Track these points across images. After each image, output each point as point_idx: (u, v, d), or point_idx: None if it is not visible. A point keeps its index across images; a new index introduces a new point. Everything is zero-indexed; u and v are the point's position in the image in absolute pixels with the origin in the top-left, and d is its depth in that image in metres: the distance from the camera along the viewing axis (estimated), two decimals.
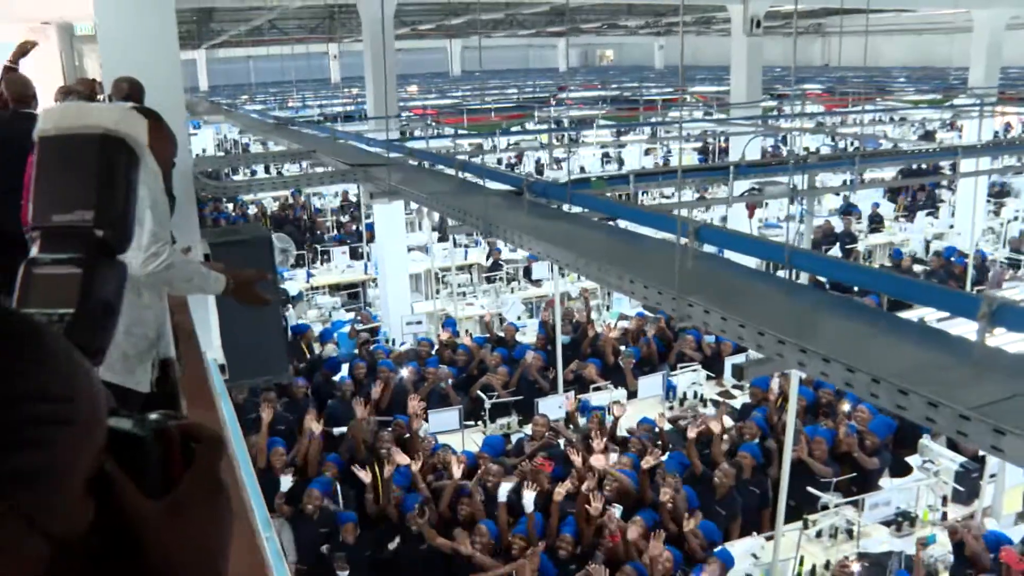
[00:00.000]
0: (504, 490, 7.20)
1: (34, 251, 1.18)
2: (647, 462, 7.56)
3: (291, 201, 20.26)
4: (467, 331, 12.55)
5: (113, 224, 1.14)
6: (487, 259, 15.90)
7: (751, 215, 6.77)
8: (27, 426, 0.68)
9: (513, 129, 17.71)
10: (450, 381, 10.12)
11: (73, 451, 0.72)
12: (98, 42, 6.07)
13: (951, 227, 17.69)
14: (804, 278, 5.08)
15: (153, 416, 0.87)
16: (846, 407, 8.89)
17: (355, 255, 16.32)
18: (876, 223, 18.03)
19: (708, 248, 6.47)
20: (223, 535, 0.88)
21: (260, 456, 7.60)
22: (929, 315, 6.27)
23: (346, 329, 12.21)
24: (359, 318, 13.00)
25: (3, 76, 6.26)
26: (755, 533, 7.54)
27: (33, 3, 12.61)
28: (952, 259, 14.67)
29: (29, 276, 1.14)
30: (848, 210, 18.02)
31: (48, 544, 0.69)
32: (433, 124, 16.92)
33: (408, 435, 8.44)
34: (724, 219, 14.84)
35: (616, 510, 7.10)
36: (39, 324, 0.75)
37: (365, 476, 7.59)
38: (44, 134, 1.22)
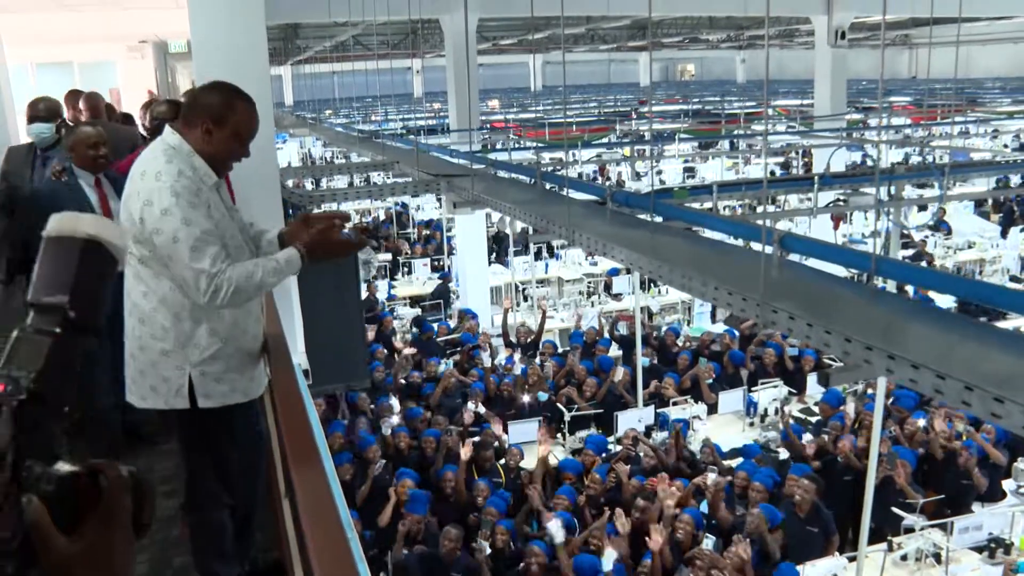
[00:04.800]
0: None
1: (27, 321, 1.47)
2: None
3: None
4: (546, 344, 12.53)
5: (82, 308, 1.45)
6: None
7: (836, 227, 6.65)
8: None
9: (594, 143, 17.70)
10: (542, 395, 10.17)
11: None
12: (192, 58, 6.29)
13: None
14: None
15: (63, 468, 1.13)
16: (937, 424, 8.67)
17: (436, 268, 16.51)
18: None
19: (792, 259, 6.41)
20: (122, 563, 1.13)
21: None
22: None
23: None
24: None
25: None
26: (836, 553, 7.37)
27: (132, 23, 13.11)
28: None
29: (15, 340, 1.43)
30: (936, 226, 17.51)
31: None
32: (515, 138, 17.03)
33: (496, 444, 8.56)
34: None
35: (709, 541, 7.02)
36: None
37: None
38: (47, 234, 1.52)
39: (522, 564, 6.82)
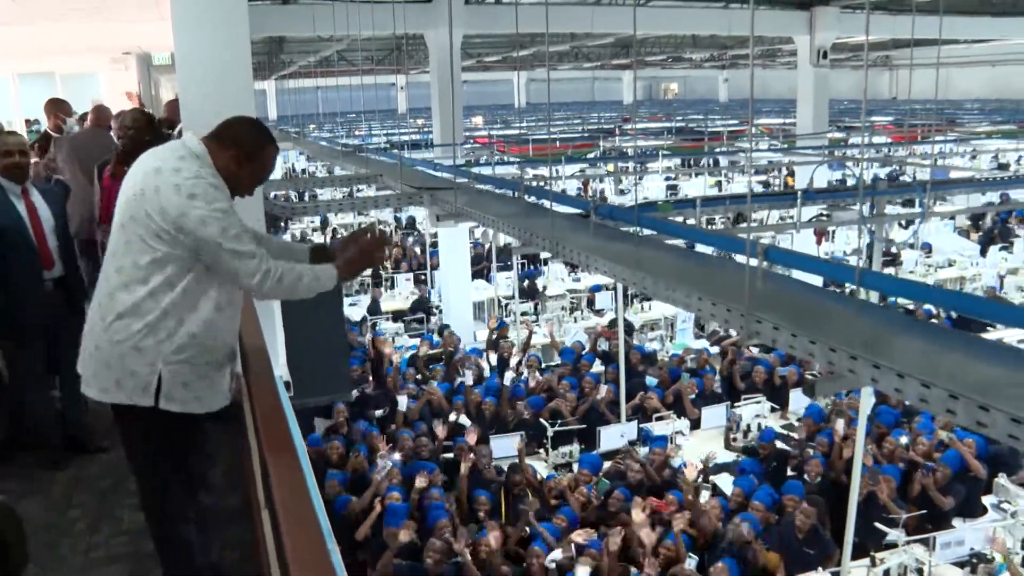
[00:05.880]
0: None
1: None
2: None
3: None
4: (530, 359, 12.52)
5: None
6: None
7: (819, 243, 6.68)
8: None
9: (577, 159, 17.76)
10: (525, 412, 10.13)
11: None
12: (176, 71, 6.25)
13: None
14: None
15: None
16: (904, 440, 8.71)
17: (419, 282, 16.46)
18: None
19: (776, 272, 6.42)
20: None
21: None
22: (1008, 337, 6.11)
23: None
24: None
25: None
26: (820, 568, 7.35)
27: (116, 35, 13.06)
28: None
29: None
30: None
31: None
32: (499, 153, 17.05)
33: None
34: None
35: (692, 561, 7.00)
36: None
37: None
38: None
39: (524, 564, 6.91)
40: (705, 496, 7.81)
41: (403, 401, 9.90)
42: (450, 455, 8.97)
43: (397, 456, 8.45)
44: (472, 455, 8.40)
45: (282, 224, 19.79)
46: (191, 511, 3.20)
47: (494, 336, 12.80)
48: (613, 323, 13.30)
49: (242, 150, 3.02)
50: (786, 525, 7.54)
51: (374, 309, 14.79)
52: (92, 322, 3.00)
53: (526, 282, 16.10)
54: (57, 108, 7.82)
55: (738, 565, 6.85)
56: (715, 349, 12.37)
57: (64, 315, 4.58)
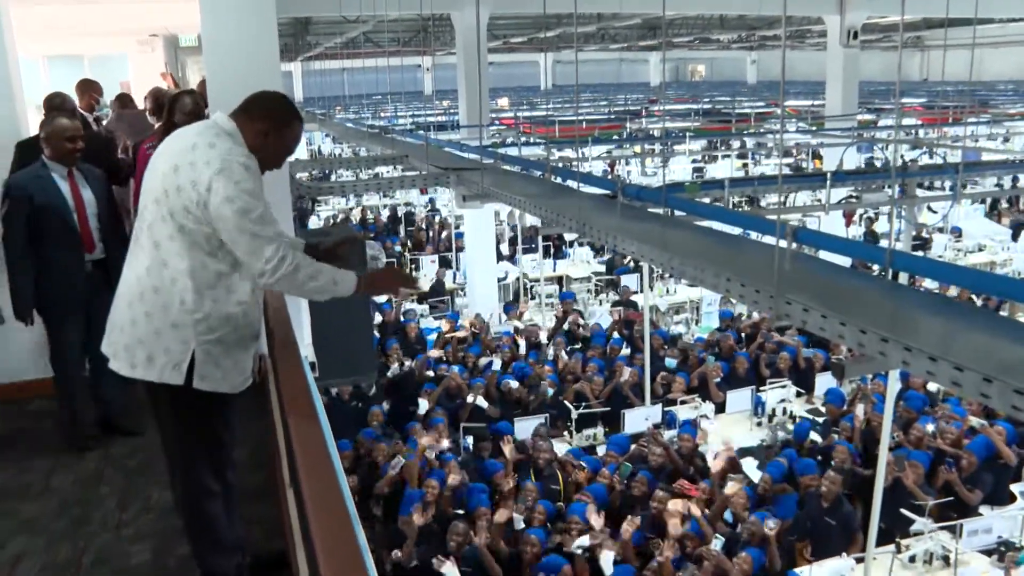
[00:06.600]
0: None
1: None
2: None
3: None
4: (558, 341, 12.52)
5: None
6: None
7: (848, 224, 6.61)
8: None
9: (604, 140, 17.69)
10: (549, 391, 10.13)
11: None
12: (203, 53, 6.25)
13: None
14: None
15: None
16: (931, 428, 8.59)
17: (444, 263, 16.46)
18: None
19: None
20: None
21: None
22: None
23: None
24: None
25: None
26: (844, 554, 7.29)
27: (143, 17, 13.09)
28: None
29: None
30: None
31: None
32: (524, 135, 17.01)
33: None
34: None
35: (717, 542, 6.97)
36: None
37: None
38: None
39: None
40: (731, 486, 7.76)
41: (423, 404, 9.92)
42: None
43: (445, 443, 8.44)
44: (512, 444, 8.37)
45: (308, 206, 19.87)
46: (219, 487, 3.21)
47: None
48: (630, 305, 13.30)
49: (271, 122, 3.00)
50: (810, 498, 7.49)
51: None
52: (126, 296, 2.99)
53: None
54: (90, 88, 7.86)
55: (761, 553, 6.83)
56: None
57: (102, 297, 4.61)
